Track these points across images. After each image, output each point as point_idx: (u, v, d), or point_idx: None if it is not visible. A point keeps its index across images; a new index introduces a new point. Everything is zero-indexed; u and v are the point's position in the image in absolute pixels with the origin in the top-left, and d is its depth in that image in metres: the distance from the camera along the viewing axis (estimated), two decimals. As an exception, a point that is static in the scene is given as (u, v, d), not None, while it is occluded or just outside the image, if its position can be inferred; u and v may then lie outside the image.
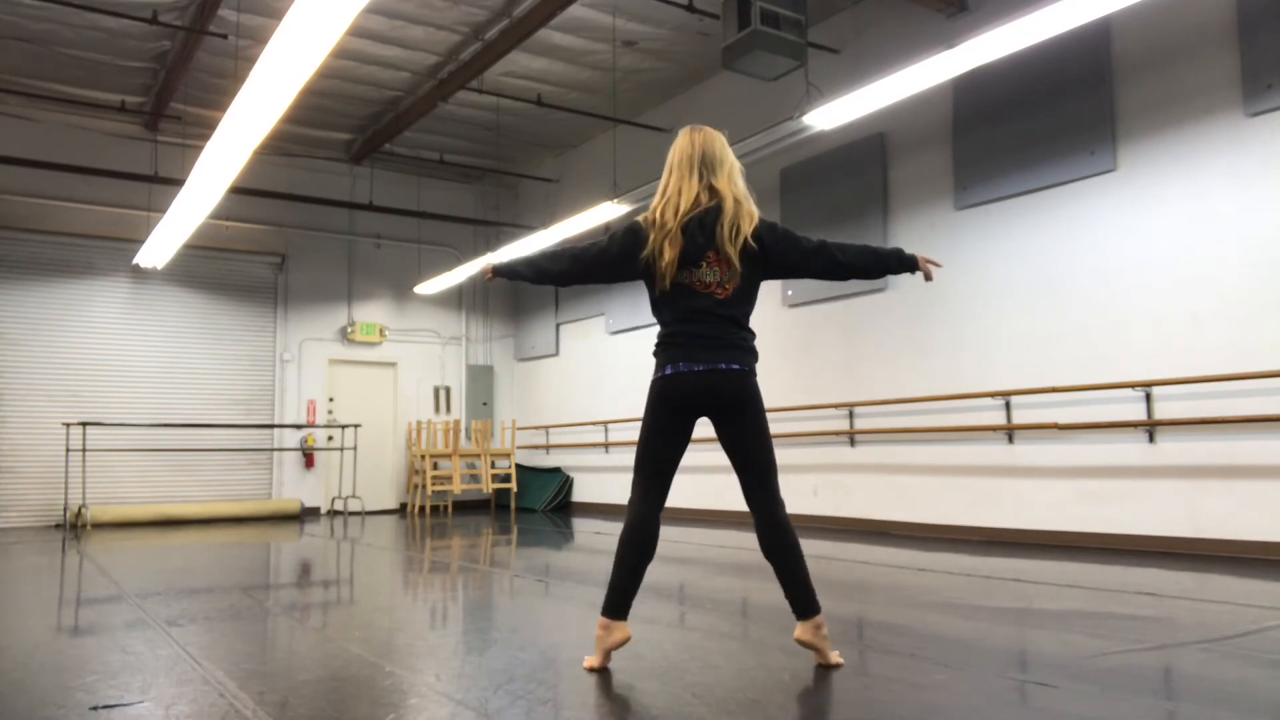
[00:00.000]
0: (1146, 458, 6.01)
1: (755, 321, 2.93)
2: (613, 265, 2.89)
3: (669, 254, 2.76)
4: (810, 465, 8.27)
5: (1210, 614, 3.75)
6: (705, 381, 2.77)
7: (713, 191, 2.82)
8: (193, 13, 7.82)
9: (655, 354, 2.87)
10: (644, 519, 2.82)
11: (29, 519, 9.72)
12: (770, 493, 2.82)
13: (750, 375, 2.82)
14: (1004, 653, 3.14)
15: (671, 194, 2.83)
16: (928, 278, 2.97)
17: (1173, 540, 5.82)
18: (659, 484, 2.85)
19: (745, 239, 2.77)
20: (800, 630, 2.83)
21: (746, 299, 2.85)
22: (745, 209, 2.81)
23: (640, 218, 2.88)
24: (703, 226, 2.78)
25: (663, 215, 2.81)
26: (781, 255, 2.85)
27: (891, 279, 7.63)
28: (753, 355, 2.85)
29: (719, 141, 2.90)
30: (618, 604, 2.80)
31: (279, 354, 11.29)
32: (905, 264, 2.91)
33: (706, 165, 2.84)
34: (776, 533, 2.80)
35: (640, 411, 2.96)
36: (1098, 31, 6.19)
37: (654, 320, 2.93)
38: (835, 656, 2.84)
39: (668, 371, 2.81)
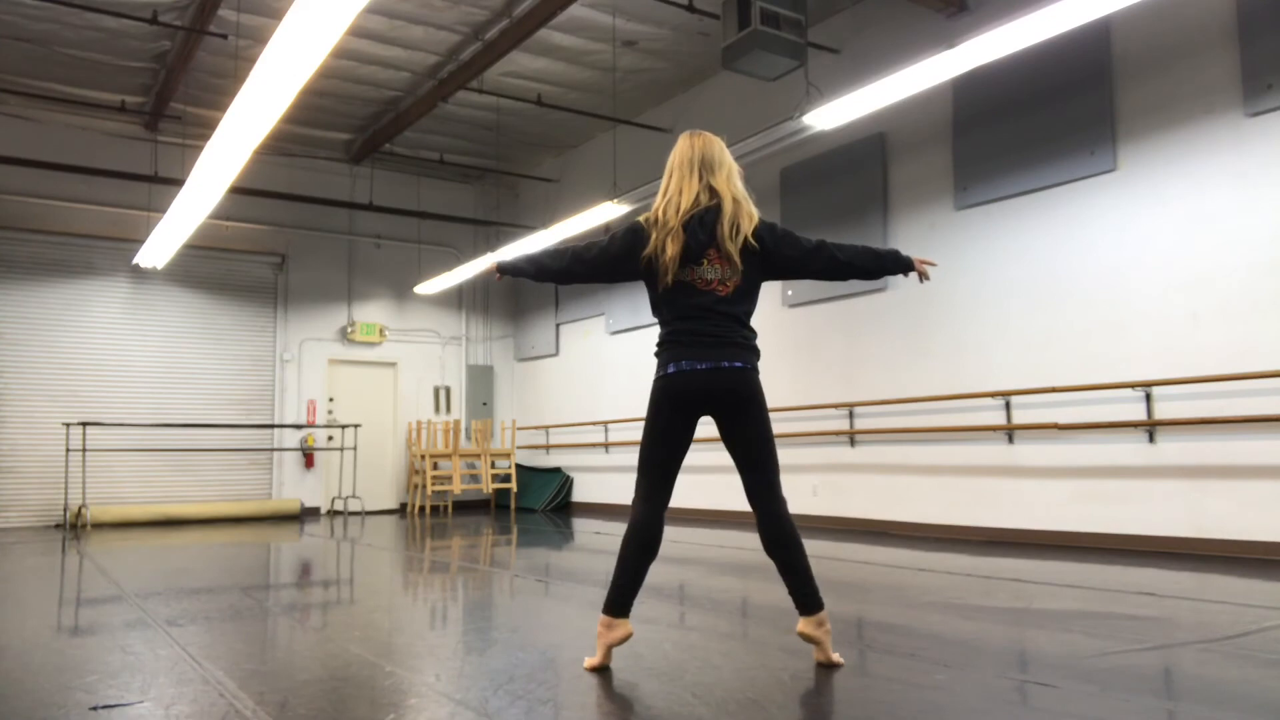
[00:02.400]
0: (1146, 458, 6.01)
1: (756, 322, 2.94)
2: (614, 264, 2.92)
3: (671, 250, 2.79)
4: (810, 465, 8.27)
5: (1210, 614, 3.75)
6: (708, 380, 2.79)
7: (712, 192, 2.87)
8: (193, 13, 7.82)
9: (657, 353, 2.89)
10: (647, 522, 2.84)
11: (29, 519, 9.72)
12: (773, 490, 2.84)
13: (753, 373, 2.85)
14: (1004, 653, 3.14)
15: (672, 194, 2.88)
16: (924, 277, 3.04)
17: (1173, 540, 5.82)
18: (662, 486, 2.86)
19: (745, 237, 2.82)
20: (803, 624, 2.84)
21: (748, 297, 2.88)
22: (745, 209, 2.86)
23: (641, 218, 2.92)
24: (703, 224, 2.82)
25: (664, 214, 2.85)
26: (781, 254, 2.89)
27: (892, 279, 7.64)
28: (755, 353, 2.88)
29: (718, 145, 2.95)
30: (620, 602, 2.82)
31: (279, 354, 11.29)
32: (902, 264, 2.99)
33: (706, 167, 2.89)
34: (778, 529, 2.82)
35: (640, 411, 2.97)
36: (1098, 31, 6.19)
37: (654, 320, 2.95)
38: (836, 656, 2.84)
39: (669, 370, 2.82)
